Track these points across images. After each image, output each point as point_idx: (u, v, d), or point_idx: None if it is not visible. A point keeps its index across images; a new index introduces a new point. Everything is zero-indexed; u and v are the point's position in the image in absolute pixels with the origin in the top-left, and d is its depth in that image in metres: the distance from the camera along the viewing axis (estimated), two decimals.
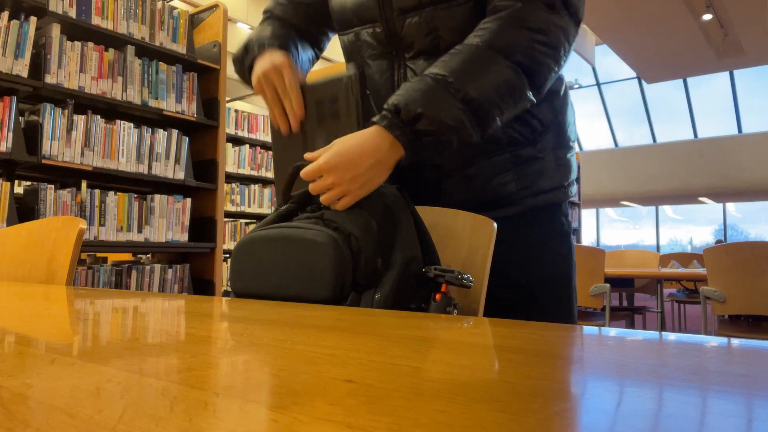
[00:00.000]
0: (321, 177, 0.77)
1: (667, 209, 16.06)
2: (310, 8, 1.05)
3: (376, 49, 0.95)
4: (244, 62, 0.98)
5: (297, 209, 0.83)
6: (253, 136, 4.90)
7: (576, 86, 13.45)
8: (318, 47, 1.08)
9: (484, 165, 0.92)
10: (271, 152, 5.21)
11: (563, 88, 0.98)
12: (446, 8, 0.87)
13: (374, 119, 0.80)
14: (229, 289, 0.96)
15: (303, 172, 0.78)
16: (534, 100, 0.83)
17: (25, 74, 2.53)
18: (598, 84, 13.22)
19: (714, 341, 0.39)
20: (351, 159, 0.76)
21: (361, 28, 0.96)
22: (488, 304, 0.90)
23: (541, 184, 0.94)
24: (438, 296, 0.73)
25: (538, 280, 0.95)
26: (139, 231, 2.95)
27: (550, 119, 0.95)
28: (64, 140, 2.66)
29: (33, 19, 2.57)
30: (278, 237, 0.75)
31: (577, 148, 0.96)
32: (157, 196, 3.03)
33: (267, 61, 0.91)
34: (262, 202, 4.85)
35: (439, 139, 0.78)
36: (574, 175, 0.99)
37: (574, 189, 1.00)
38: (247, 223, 4.82)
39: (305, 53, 1.02)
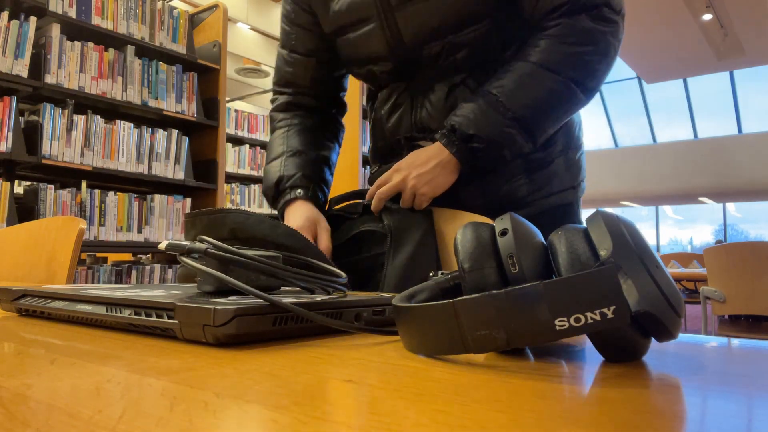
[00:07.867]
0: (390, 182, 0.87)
1: (667, 209, 16.06)
2: (319, 71, 1.04)
3: (391, 79, 0.98)
4: (277, 201, 0.97)
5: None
6: (253, 136, 4.89)
7: None
8: (336, 128, 1.10)
9: (498, 172, 0.94)
10: None
11: None
12: (463, 34, 0.88)
13: (435, 135, 0.89)
14: None
15: (379, 180, 0.88)
16: (587, 102, 0.89)
17: (25, 74, 2.53)
18: None
19: (714, 341, 0.39)
20: (417, 157, 0.88)
21: (372, 65, 0.97)
22: None
23: (552, 187, 0.96)
24: None
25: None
26: (139, 231, 2.95)
27: None
28: (64, 140, 2.66)
29: (33, 19, 2.57)
30: None
31: (585, 147, 1.01)
32: (157, 196, 3.03)
33: (299, 217, 0.90)
34: (262, 202, 4.85)
35: (491, 154, 0.86)
36: (583, 175, 1.02)
37: (583, 186, 1.02)
38: None
39: (330, 174, 1.03)
